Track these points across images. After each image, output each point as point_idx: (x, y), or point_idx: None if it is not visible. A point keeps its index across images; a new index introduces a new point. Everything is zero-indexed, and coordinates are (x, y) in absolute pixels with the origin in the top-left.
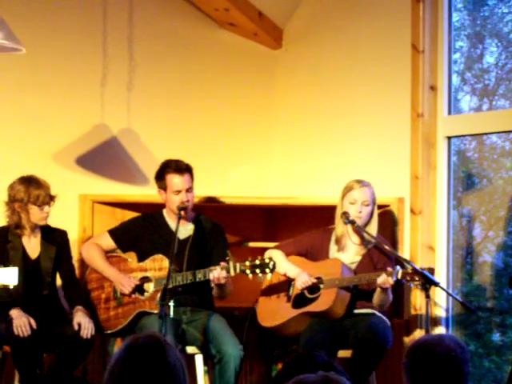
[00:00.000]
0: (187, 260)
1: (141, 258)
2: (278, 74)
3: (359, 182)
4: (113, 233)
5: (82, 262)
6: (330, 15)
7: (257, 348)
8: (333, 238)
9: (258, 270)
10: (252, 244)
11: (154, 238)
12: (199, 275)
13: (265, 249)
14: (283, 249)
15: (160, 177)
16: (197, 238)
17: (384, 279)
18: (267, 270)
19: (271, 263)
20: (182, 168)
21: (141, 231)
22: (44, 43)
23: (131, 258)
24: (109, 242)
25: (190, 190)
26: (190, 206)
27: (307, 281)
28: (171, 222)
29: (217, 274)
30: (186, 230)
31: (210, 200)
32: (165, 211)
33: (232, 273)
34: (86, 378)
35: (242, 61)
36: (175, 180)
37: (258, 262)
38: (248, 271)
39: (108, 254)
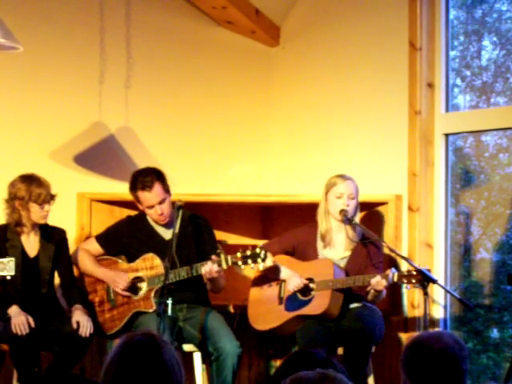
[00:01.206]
0: (178, 257)
1: (130, 261)
2: (275, 72)
3: (342, 176)
4: (99, 238)
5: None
6: (327, 12)
7: (254, 345)
8: (319, 234)
9: (249, 261)
10: (249, 241)
11: (141, 240)
12: (192, 271)
13: None
14: (269, 248)
15: (132, 191)
16: (182, 235)
17: (377, 281)
18: (259, 260)
19: (262, 253)
20: (148, 185)
21: (127, 234)
22: (41, 41)
23: (122, 259)
24: (96, 248)
25: (162, 201)
26: (167, 216)
27: (299, 284)
28: (155, 225)
29: (208, 268)
30: (170, 230)
31: (208, 198)
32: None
33: (224, 266)
34: (84, 375)
35: (240, 58)
36: (145, 197)
37: (249, 252)
38: (240, 263)
39: (98, 257)
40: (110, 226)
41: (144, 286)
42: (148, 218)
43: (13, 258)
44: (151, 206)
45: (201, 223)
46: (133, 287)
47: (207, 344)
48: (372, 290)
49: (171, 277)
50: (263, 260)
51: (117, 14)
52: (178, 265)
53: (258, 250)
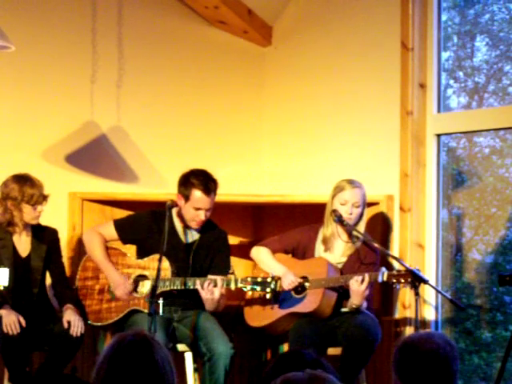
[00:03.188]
0: (192, 265)
1: (140, 254)
2: (267, 72)
3: (351, 182)
4: (118, 224)
5: (72, 260)
6: (319, 13)
7: (247, 346)
8: (319, 237)
9: (258, 288)
10: (242, 241)
11: (158, 238)
12: (197, 284)
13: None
14: (269, 246)
15: (185, 184)
16: (202, 243)
17: (353, 282)
18: (268, 290)
19: (273, 283)
20: (211, 189)
21: (146, 228)
22: (33, 41)
23: (130, 252)
24: (112, 233)
25: (209, 210)
26: (202, 224)
27: (293, 282)
28: (178, 225)
29: (206, 284)
30: (192, 234)
31: None
32: (174, 213)
33: (232, 287)
34: (75, 375)
35: (232, 58)
36: (200, 198)
37: (259, 279)
38: (248, 287)
39: (108, 245)
40: (132, 215)
41: (147, 285)
42: (173, 216)
43: (7, 269)
44: (198, 209)
45: (219, 234)
46: (135, 285)
47: (199, 344)
48: (350, 304)
49: (177, 283)
50: (272, 291)
51: (109, 13)
52: (191, 272)
53: (269, 280)
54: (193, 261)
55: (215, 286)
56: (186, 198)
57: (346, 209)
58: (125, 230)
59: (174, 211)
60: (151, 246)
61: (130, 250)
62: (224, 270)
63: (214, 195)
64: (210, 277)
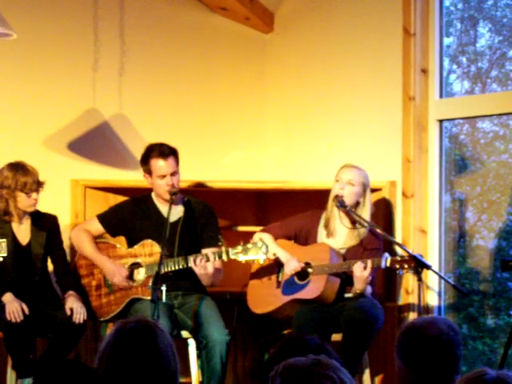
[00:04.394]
0: (178, 243)
1: (130, 243)
2: (269, 58)
3: (351, 164)
4: (101, 218)
5: (74, 248)
6: None
7: (249, 333)
8: (321, 222)
9: (251, 255)
10: (244, 228)
11: (144, 222)
12: (190, 262)
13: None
14: (271, 232)
15: (144, 161)
16: (187, 219)
17: (357, 267)
18: (260, 255)
19: (263, 247)
20: (166, 152)
21: (130, 215)
22: (35, 28)
23: (120, 243)
24: (98, 227)
25: (174, 173)
26: (174, 186)
27: (296, 267)
28: (160, 205)
29: (198, 261)
30: (175, 212)
31: (202, 185)
32: (153, 194)
33: (225, 258)
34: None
35: (234, 45)
36: (159, 164)
37: (250, 246)
38: (241, 256)
39: (97, 240)
40: (113, 206)
41: (142, 272)
42: (153, 198)
43: (4, 239)
44: (163, 176)
45: (204, 208)
46: (130, 273)
47: (199, 331)
48: (354, 289)
49: (170, 265)
50: (264, 254)
51: (110, 0)
52: (176, 253)
53: (259, 244)
54: (179, 239)
55: (207, 260)
56: (150, 173)
57: (338, 185)
58: (109, 221)
59: (153, 194)
60: (138, 231)
61: (119, 241)
62: (215, 241)
63: (173, 160)
64: (202, 252)
